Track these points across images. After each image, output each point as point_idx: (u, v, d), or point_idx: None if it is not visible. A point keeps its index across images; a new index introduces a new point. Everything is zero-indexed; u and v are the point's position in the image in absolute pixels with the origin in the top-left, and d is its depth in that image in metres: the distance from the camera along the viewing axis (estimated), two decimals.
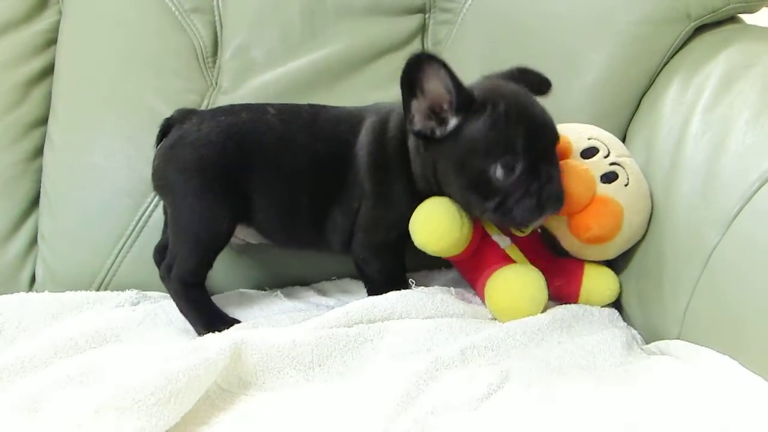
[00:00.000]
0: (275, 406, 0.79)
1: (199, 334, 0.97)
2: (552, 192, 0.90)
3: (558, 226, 1.00)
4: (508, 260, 1.01)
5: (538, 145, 0.90)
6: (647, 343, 0.95)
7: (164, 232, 1.10)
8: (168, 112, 1.07)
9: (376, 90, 1.11)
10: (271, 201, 1.01)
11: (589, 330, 0.94)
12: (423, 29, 1.25)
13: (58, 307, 1.03)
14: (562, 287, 1.00)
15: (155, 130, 1.05)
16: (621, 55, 1.08)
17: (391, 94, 1.03)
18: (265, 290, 1.13)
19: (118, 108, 1.17)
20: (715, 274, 0.85)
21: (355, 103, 1.08)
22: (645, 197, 0.98)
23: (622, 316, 1.01)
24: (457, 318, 0.94)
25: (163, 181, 1.02)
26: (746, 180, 0.83)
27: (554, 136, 0.92)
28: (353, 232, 1.02)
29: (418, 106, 0.90)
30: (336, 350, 0.86)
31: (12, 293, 1.07)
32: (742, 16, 1.11)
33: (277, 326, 0.93)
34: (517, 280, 0.95)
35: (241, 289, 1.12)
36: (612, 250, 1.00)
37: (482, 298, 1.00)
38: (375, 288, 1.03)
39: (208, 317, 0.99)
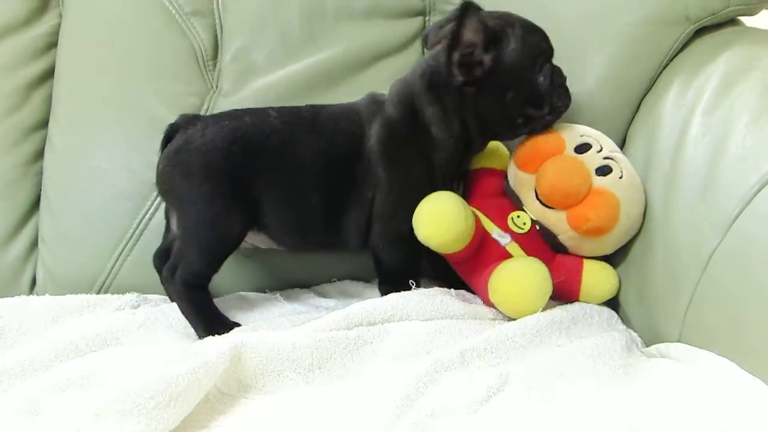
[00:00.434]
0: (275, 409, 0.79)
1: (200, 336, 0.97)
2: (563, 76, 1.04)
3: (556, 222, 1.00)
4: (509, 258, 1.01)
5: (549, 46, 1.02)
6: (647, 345, 0.95)
7: (164, 237, 1.10)
8: (168, 115, 1.07)
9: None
10: (281, 204, 1.01)
11: (588, 332, 0.94)
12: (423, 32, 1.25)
13: (58, 310, 1.02)
14: (563, 283, 1.00)
15: (156, 133, 1.05)
16: (621, 56, 1.08)
17: None
18: (266, 293, 1.13)
19: (119, 111, 1.17)
20: (715, 276, 0.85)
21: None
22: (639, 189, 1.00)
23: (622, 317, 1.01)
24: (457, 319, 0.94)
25: (168, 185, 1.02)
26: (746, 182, 0.84)
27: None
28: (369, 224, 1.02)
29: (456, 57, 0.97)
30: (336, 353, 0.86)
31: (13, 296, 1.06)
32: (742, 18, 1.11)
33: (277, 329, 0.93)
34: (522, 271, 0.95)
35: (241, 293, 1.12)
36: (610, 243, 1.01)
37: (483, 299, 1.00)
38: (391, 278, 1.04)
39: (209, 320, 0.99)
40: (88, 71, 1.20)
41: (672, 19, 1.06)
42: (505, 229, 1.03)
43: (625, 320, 1.01)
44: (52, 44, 1.23)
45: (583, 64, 1.08)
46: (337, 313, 0.92)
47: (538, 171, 1.01)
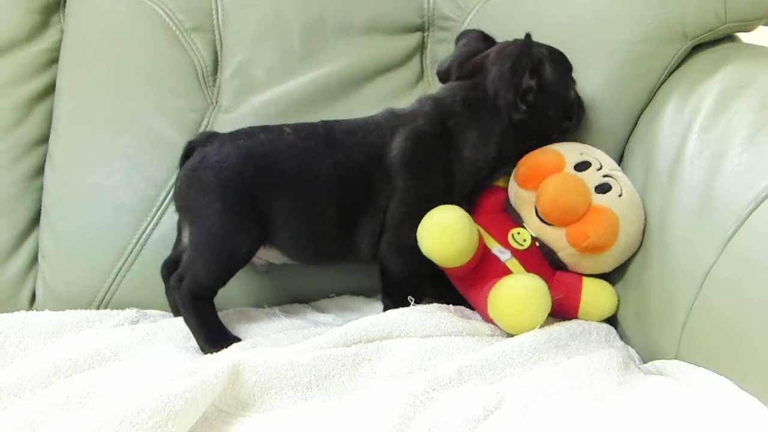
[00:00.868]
0: (273, 427, 0.79)
1: (201, 347, 0.98)
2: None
3: (556, 239, 1.01)
4: (508, 274, 1.01)
5: (569, 60, 1.08)
6: (645, 361, 0.95)
7: (174, 248, 1.10)
8: (168, 131, 1.08)
9: (376, 108, 1.11)
10: (295, 218, 1.02)
11: (586, 349, 0.94)
12: (422, 47, 1.26)
13: (58, 325, 1.02)
14: (562, 300, 1.00)
15: (155, 149, 1.05)
16: (618, 73, 1.09)
17: None
18: (264, 308, 1.12)
19: (119, 127, 1.17)
20: (711, 294, 0.85)
21: None
22: (638, 207, 1.00)
23: (620, 333, 1.01)
24: (455, 336, 0.94)
25: (185, 202, 1.03)
26: (742, 200, 0.84)
27: None
28: (381, 234, 1.03)
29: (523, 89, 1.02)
30: (334, 370, 0.86)
31: (12, 312, 1.07)
32: (739, 34, 1.11)
33: (276, 345, 0.93)
34: (521, 287, 0.95)
35: (240, 308, 1.12)
36: (610, 261, 1.01)
37: (482, 314, 1.01)
38: (395, 288, 1.04)
39: (212, 332, 0.99)
40: (89, 87, 1.20)
41: (669, 36, 1.06)
42: (506, 245, 1.04)
43: (623, 336, 1.01)
44: (53, 60, 1.24)
45: (581, 81, 1.08)
46: (336, 330, 0.92)
47: (538, 188, 1.01)
